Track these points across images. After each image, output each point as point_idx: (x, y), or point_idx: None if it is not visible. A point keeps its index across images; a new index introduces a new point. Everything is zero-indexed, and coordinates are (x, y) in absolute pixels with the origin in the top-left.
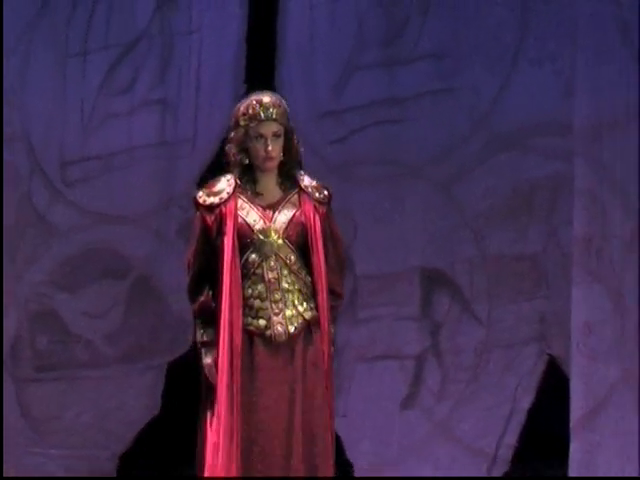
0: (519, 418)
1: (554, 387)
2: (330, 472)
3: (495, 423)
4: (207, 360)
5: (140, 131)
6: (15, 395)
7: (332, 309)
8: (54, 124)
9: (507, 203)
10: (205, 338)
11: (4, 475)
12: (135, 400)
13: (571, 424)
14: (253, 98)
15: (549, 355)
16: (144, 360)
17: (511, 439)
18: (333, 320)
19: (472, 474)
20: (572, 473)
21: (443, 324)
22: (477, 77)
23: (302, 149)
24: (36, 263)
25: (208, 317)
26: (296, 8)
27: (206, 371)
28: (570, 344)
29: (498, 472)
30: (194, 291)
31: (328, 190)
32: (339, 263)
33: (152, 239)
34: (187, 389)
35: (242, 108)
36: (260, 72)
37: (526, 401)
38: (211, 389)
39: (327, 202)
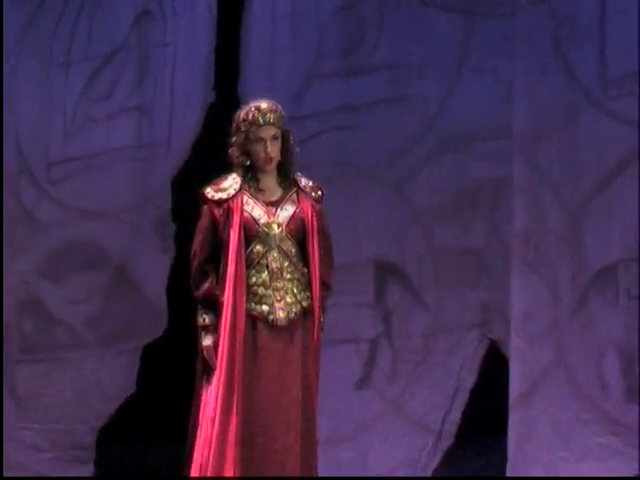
0: (463, 396)
1: (494, 368)
2: (316, 441)
3: (441, 401)
4: (207, 342)
5: (118, 134)
6: (3, 375)
7: (322, 299)
8: (40, 128)
9: (453, 201)
10: (206, 322)
11: (4, 475)
12: (112, 379)
13: (510, 401)
14: (252, 105)
15: (490, 339)
16: (121, 343)
17: (455, 415)
18: (323, 309)
19: (421, 448)
20: (510, 446)
21: (394, 311)
22: (425, 86)
23: (297, 150)
24: (24, 255)
25: (210, 303)
26: (259, 22)
27: (205, 353)
28: (509, 329)
29: (443, 446)
30: (199, 278)
31: (322, 190)
32: (329, 257)
33: (129, 233)
34: (161, 370)
35: (242, 115)
36: (227, 81)
37: (469, 381)
38: (209, 369)
39: (321, 199)
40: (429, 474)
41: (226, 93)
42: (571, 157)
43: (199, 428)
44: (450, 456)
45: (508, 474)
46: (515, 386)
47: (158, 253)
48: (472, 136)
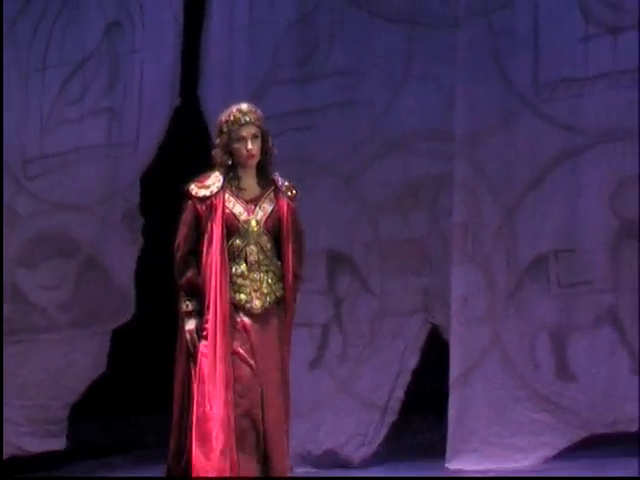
0: (406, 376)
1: (436, 350)
2: (289, 419)
3: (386, 380)
4: (190, 327)
5: (89, 134)
6: None
7: (295, 289)
8: (18, 128)
9: (397, 196)
10: (189, 308)
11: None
12: (84, 359)
13: (450, 381)
14: (233, 107)
15: (431, 323)
16: (91, 326)
17: (399, 393)
18: (295, 299)
19: (368, 423)
20: (450, 421)
21: (344, 298)
22: (373, 91)
23: (276, 151)
24: (3, 245)
25: (192, 290)
26: (218, 32)
27: (187, 336)
28: (449, 314)
29: (389, 421)
30: (182, 268)
31: (296, 190)
32: (301, 250)
33: (99, 225)
34: (129, 351)
35: (224, 117)
36: (191, 86)
37: (412, 362)
38: (191, 351)
39: (295, 200)
40: (375, 447)
41: (189, 97)
42: (507, 157)
43: (188, 402)
44: (395, 430)
45: (448, 447)
46: (455, 367)
47: (126, 243)
48: (415, 137)
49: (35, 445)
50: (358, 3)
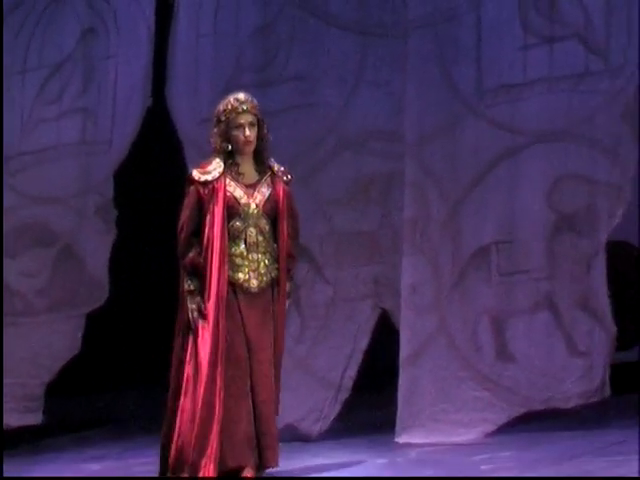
0: (358, 356)
1: (385, 333)
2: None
3: (340, 360)
4: (192, 305)
5: (66, 133)
6: None
7: (290, 269)
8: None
9: (351, 192)
10: (191, 287)
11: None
12: (60, 341)
13: (400, 362)
14: (230, 97)
15: (381, 308)
16: (67, 310)
17: (352, 372)
18: (290, 278)
19: (323, 400)
20: (400, 399)
21: (302, 284)
22: (328, 95)
23: (271, 138)
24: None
25: (194, 270)
26: (185, 39)
27: (190, 314)
28: (399, 301)
29: (342, 398)
30: (185, 249)
31: (291, 175)
32: (296, 233)
33: (75, 217)
34: (102, 333)
35: (221, 106)
36: (161, 88)
37: (363, 343)
38: (193, 327)
39: (290, 182)
40: (330, 423)
41: (161, 99)
42: (452, 156)
43: (186, 378)
44: (348, 407)
45: (397, 423)
46: (404, 349)
47: (101, 234)
48: (368, 138)
49: (14, 420)
50: (315, 14)
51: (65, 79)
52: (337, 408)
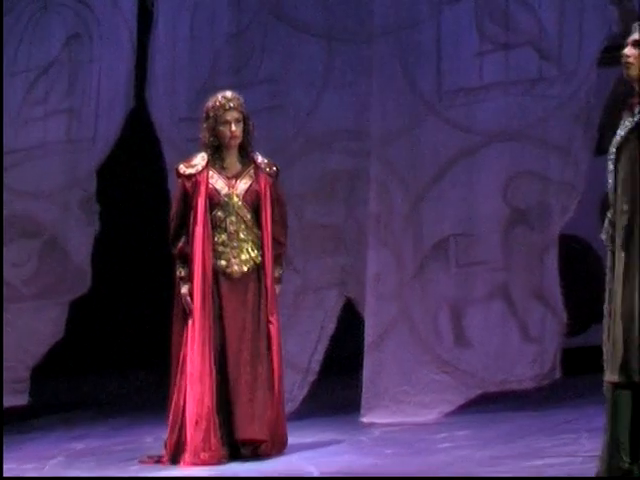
0: (324, 342)
1: (351, 320)
2: (279, 370)
3: (308, 345)
4: (184, 290)
5: (52, 132)
6: None
7: (279, 255)
8: None
9: (319, 188)
10: (182, 274)
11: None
12: (45, 327)
13: (365, 347)
14: (219, 95)
15: (347, 297)
16: (52, 298)
17: (319, 357)
18: (280, 263)
19: (293, 383)
20: (365, 382)
21: None
22: (298, 97)
23: (255, 133)
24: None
25: (184, 258)
26: (163, 43)
27: (183, 299)
28: (364, 289)
29: (310, 381)
30: (174, 239)
31: (276, 167)
32: (283, 220)
33: (60, 210)
34: (84, 320)
35: (210, 104)
36: (143, 91)
37: (330, 329)
38: (186, 311)
39: (275, 175)
40: (299, 403)
41: (141, 99)
42: (414, 154)
43: (182, 360)
44: (315, 389)
45: (362, 404)
46: (368, 334)
47: (84, 227)
48: (335, 137)
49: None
50: (285, 20)
51: (51, 81)
52: (305, 390)
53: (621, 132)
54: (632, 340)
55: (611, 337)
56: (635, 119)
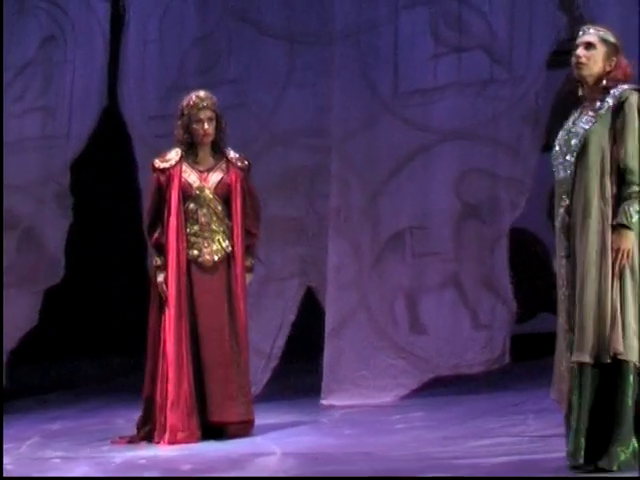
0: (286, 329)
1: (311, 308)
2: (244, 353)
3: (270, 332)
4: (160, 279)
5: (28, 128)
6: None
7: (250, 246)
8: None
9: (282, 182)
10: (158, 263)
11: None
12: (21, 313)
13: (325, 334)
14: (192, 94)
15: (308, 286)
16: (28, 286)
17: (281, 343)
18: (252, 253)
19: (257, 368)
20: (325, 367)
21: None
22: (261, 95)
23: (228, 131)
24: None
25: (160, 248)
26: (134, 45)
27: (159, 287)
28: (324, 279)
29: (272, 365)
30: (150, 230)
31: (248, 161)
32: (255, 212)
33: (35, 203)
34: (58, 307)
35: (185, 102)
36: (115, 90)
37: (291, 317)
38: (162, 298)
39: (247, 169)
40: (262, 387)
41: (113, 98)
42: (372, 151)
43: (159, 345)
44: (278, 374)
45: (323, 387)
46: (329, 322)
47: (58, 219)
48: (297, 134)
49: None
50: (250, 23)
51: (28, 80)
52: (268, 375)
53: (584, 125)
54: (603, 324)
55: (578, 321)
56: (601, 112)
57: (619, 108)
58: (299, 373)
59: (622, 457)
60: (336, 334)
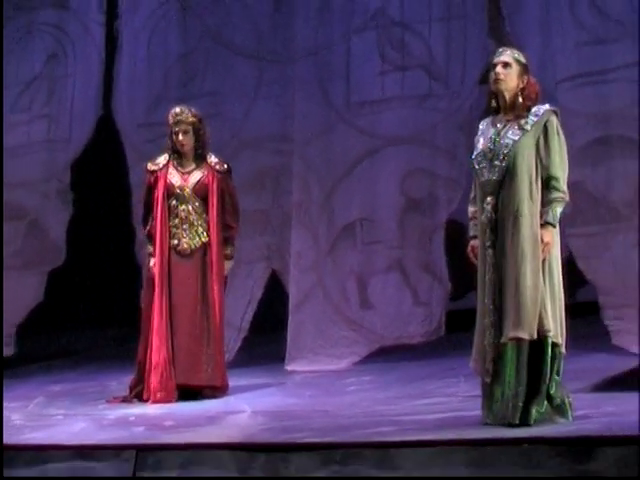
0: (253, 305)
1: (276, 288)
2: (215, 330)
3: (240, 307)
4: (151, 264)
5: (35, 133)
6: None
7: (230, 237)
8: None
9: (251, 180)
10: (150, 250)
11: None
12: (28, 292)
13: (289, 309)
14: (172, 109)
15: (273, 269)
16: (34, 269)
17: (249, 317)
18: (232, 243)
19: (229, 338)
20: (289, 338)
21: None
22: (234, 107)
23: (209, 137)
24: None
25: (151, 238)
26: (125, 62)
27: (150, 270)
28: (287, 263)
29: (242, 336)
30: (144, 223)
31: (228, 165)
32: (234, 208)
33: (40, 197)
34: (59, 286)
35: (168, 115)
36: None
37: (258, 295)
38: (152, 282)
39: (226, 171)
40: (234, 355)
41: (108, 107)
42: (328, 154)
43: (148, 318)
44: (248, 343)
45: (287, 355)
46: (292, 300)
47: (60, 211)
48: (264, 139)
49: None
50: (223, 45)
51: (34, 92)
52: (239, 344)
53: (513, 137)
54: (535, 305)
55: (513, 302)
56: (526, 127)
57: (543, 127)
58: (266, 343)
59: (536, 415)
60: (298, 310)
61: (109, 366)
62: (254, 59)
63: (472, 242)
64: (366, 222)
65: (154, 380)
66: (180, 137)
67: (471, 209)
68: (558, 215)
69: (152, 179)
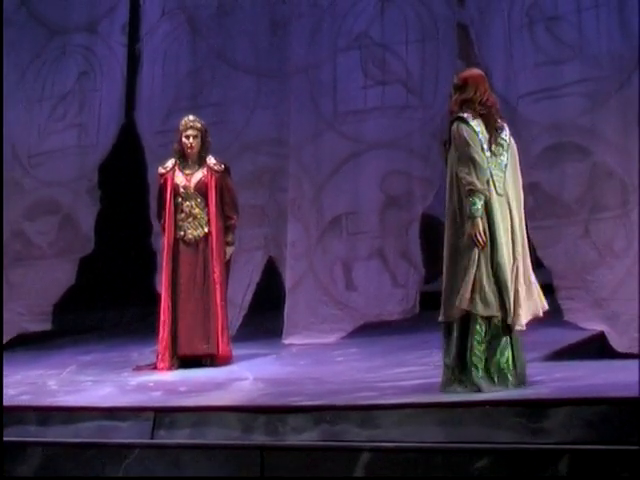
0: (252, 287)
1: (272, 273)
2: (216, 314)
3: (241, 288)
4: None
5: (68, 140)
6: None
7: (230, 226)
8: (26, 136)
9: (251, 179)
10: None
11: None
12: (62, 276)
13: (285, 291)
14: (184, 117)
15: (270, 256)
16: (67, 256)
17: (249, 298)
18: (232, 231)
19: (232, 315)
20: (285, 315)
21: None
22: (236, 115)
23: (211, 144)
24: (15, 208)
25: (164, 230)
26: (145, 78)
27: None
28: (282, 251)
29: (243, 314)
30: (159, 217)
31: (225, 164)
32: (233, 202)
33: (73, 195)
34: (89, 271)
35: (180, 122)
36: (130, 110)
37: (256, 278)
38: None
39: (224, 171)
40: (236, 330)
41: (130, 117)
42: (318, 157)
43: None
44: (249, 320)
45: (284, 331)
46: (288, 283)
47: (89, 207)
48: (263, 143)
49: (32, 326)
50: (227, 62)
51: (67, 105)
52: (240, 321)
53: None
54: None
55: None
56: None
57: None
58: (266, 320)
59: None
60: (292, 292)
61: (132, 340)
62: (254, 75)
63: None
64: (351, 215)
65: (160, 352)
66: (190, 140)
67: None
68: (470, 206)
69: (162, 180)
